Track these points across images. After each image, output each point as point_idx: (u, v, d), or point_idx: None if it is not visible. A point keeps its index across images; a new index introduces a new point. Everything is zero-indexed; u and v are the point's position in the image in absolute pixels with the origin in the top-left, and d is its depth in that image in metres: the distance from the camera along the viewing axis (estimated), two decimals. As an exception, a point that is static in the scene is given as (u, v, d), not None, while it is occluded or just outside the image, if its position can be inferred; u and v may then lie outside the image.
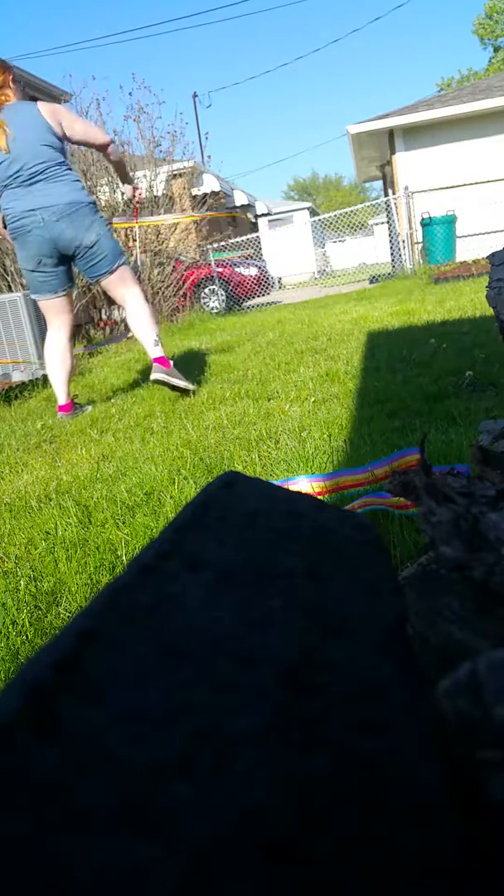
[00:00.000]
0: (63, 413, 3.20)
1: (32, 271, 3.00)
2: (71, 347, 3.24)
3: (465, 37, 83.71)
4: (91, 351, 5.62)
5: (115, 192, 8.08)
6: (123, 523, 1.57)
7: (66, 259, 3.02)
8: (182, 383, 3.01)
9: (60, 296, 3.10)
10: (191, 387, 3.07)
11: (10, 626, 1.17)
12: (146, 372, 4.43)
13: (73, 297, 3.28)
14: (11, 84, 2.94)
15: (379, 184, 21.07)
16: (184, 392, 3.07)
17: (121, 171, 3.39)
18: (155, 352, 3.06)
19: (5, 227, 2.97)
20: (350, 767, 0.24)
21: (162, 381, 3.01)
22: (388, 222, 11.94)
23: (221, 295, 10.62)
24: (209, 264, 10.54)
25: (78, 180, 2.99)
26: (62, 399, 3.22)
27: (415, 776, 0.24)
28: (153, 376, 3.01)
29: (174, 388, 3.04)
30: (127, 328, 7.08)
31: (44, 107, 2.95)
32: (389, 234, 11.92)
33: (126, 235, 8.11)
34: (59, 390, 3.22)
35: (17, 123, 2.86)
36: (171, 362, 3.10)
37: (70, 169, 2.99)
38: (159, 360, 3.04)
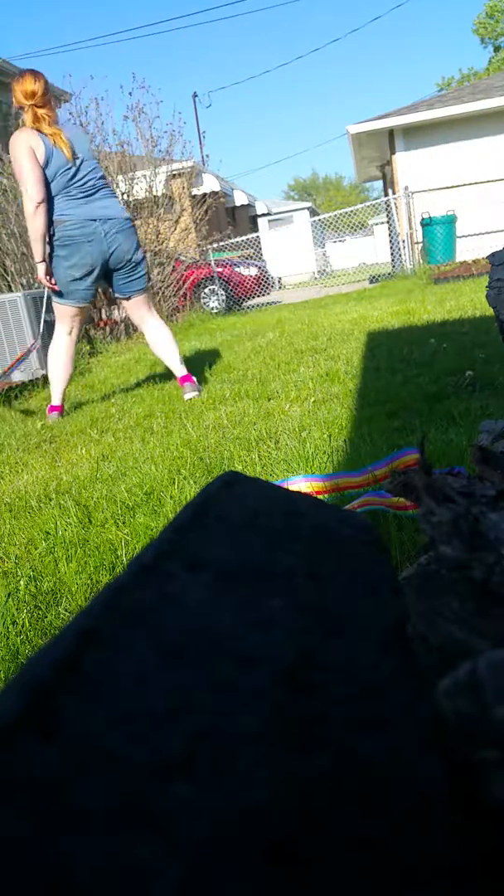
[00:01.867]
0: (55, 413, 3.26)
1: (79, 279, 3.04)
2: (74, 351, 3.31)
3: (466, 37, 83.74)
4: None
5: (114, 191, 8.07)
6: (123, 523, 1.57)
7: (106, 271, 3.11)
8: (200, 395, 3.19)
9: (82, 305, 3.18)
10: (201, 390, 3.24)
11: (10, 626, 1.17)
12: (146, 372, 4.43)
13: (89, 309, 3.38)
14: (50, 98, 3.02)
15: (379, 184, 21.08)
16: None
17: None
18: (182, 371, 3.24)
19: (51, 236, 2.98)
20: (350, 767, 0.24)
21: (194, 399, 3.14)
22: (388, 222, 11.94)
23: (221, 295, 10.62)
24: (209, 264, 10.54)
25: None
26: (56, 399, 3.28)
27: (415, 776, 0.24)
28: (188, 396, 3.14)
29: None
30: (126, 328, 7.08)
31: (73, 128, 3.12)
32: (389, 234, 11.92)
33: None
34: (56, 390, 3.27)
35: (71, 135, 2.98)
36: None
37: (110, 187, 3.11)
38: (187, 378, 3.22)
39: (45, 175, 2.91)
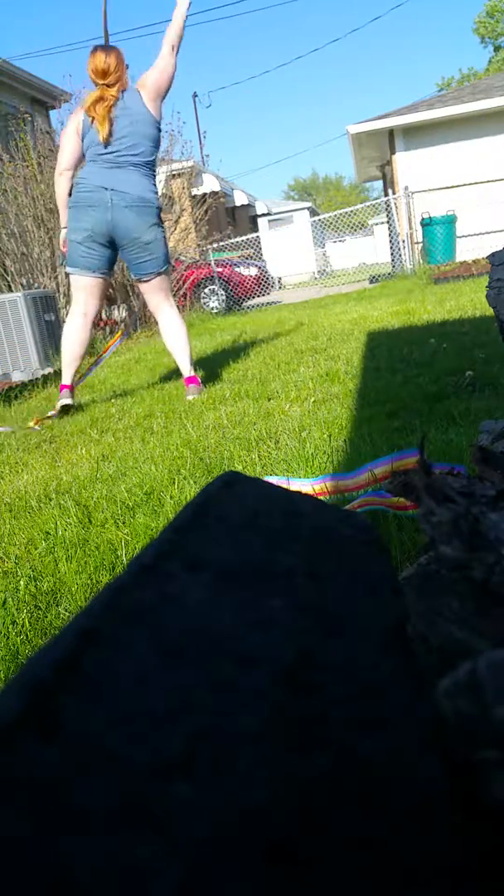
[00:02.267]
0: (65, 391, 3.25)
1: (79, 243, 3.06)
2: (89, 335, 3.28)
3: (466, 36, 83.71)
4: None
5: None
6: (123, 523, 1.57)
7: (113, 246, 3.10)
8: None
9: (97, 277, 3.15)
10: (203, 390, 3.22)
11: (10, 626, 1.17)
12: (146, 372, 4.43)
13: (107, 287, 3.34)
14: (124, 70, 3.07)
15: (379, 184, 21.07)
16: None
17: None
18: (190, 371, 3.20)
19: (70, 194, 3.10)
20: (350, 767, 0.24)
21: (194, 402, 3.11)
22: (388, 222, 11.94)
23: (221, 295, 10.62)
24: (209, 264, 10.54)
25: (154, 183, 3.14)
26: (67, 379, 3.26)
27: (415, 776, 0.24)
28: (190, 397, 3.09)
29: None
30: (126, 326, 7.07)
31: (142, 91, 3.04)
32: (389, 234, 11.92)
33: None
34: (67, 370, 3.26)
35: (126, 111, 3.00)
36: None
37: (154, 173, 3.15)
38: (193, 379, 3.18)
39: (80, 148, 3.05)
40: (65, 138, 3.10)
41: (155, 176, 3.18)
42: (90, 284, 3.15)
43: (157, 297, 3.21)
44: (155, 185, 3.15)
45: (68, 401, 3.22)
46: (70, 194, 3.10)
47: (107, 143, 3.00)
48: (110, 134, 2.99)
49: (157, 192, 3.15)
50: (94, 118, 2.99)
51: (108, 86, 2.98)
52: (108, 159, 3.01)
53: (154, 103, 3.06)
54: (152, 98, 3.05)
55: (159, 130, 3.13)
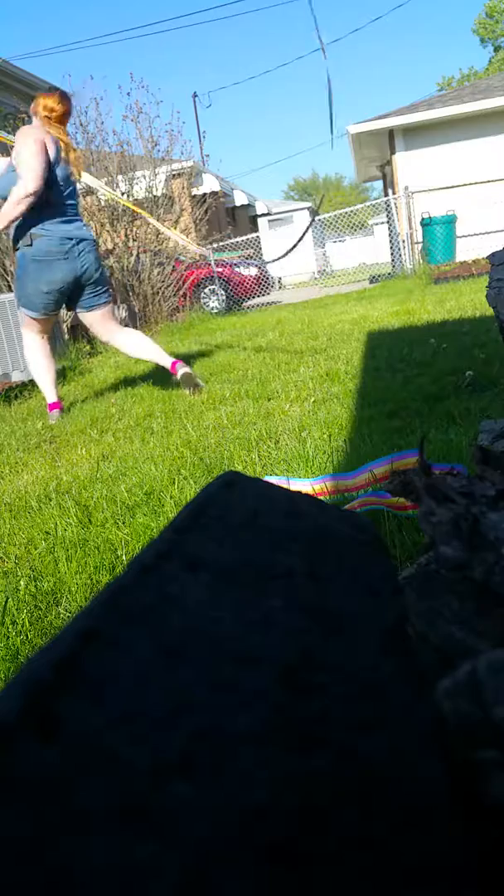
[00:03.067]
0: (55, 411, 3.29)
1: (46, 293, 3.08)
2: (49, 348, 3.36)
3: (466, 37, 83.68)
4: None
5: (114, 192, 8.07)
6: (123, 523, 1.57)
7: (74, 288, 3.17)
8: (200, 382, 3.27)
9: (54, 315, 3.26)
10: (202, 384, 3.29)
11: (10, 626, 1.17)
12: (146, 372, 4.43)
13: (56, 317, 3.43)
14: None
15: (379, 184, 21.06)
16: (198, 392, 3.22)
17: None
18: (169, 360, 3.31)
19: (30, 245, 3.01)
20: (350, 767, 0.24)
21: (189, 377, 3.22)
22: (388, 222, 11.94)
23: (221, 295, 10.62)
24: (209, 264, 10.54)
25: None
26: (51, 397, 3.32)
27: (415, 776, 0.24)
28: (182, 371, 3.21)
29: (195, 385, 3.22)
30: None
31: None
32: (389, 234, 11.92)
33: (126, 235, 8.11)
34: (48, 389, 3.32)
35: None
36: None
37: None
38: (176, 362, 3.29)
39: (48, 175, 2.92)
40: (36, 152, 2.83)
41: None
42: (48, 321, 3.27)
43: (108, 323, 3.36)
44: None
45: (58, 413, 3.28)
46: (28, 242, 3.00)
47: (71, 186, 3.06)
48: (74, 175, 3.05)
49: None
50: (63, 144, 2.99)
51: (54, 121, 3.03)
52: (67, 208, 3.05)
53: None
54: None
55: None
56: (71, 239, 3.02)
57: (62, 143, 3.00)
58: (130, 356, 3.50)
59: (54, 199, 2.97)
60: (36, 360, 3.28)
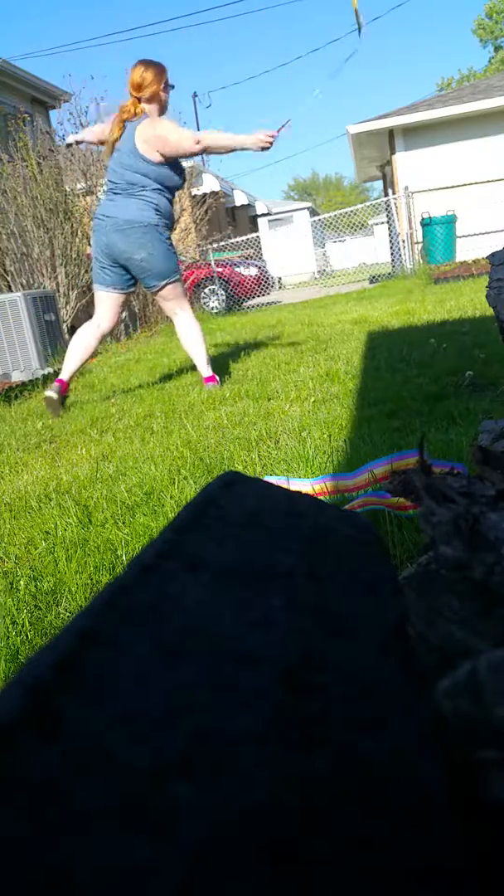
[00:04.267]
0: (58, 385, 3.34)
1: (96, 258, 3.29)
2: (97, 343, 3.43)
3: (466, 37, 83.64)
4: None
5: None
6: (123, 523, 1.57)
7: (122, 265, 3.26)
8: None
9: (109, 292, 3.32)
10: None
11: (10, 626, 1.17)
12: (146, 372, 4.43)
13: (124, 303, 3.48)
14: (159, 95, 3.16)
15: (379, 184, 21.06)
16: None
17: (221, 150, 3.23)
18: (207, 371, 3.37)
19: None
20: (350, 767, 0.24)
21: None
22: (388, 222, 11.94)
23: (221, 295, 10.62)
24: (209, 264, 10.54)
25: (149, 203, 3.18)
26: (65, 375, 3.38)
27: (415, 776, 0.24)
28: (210, 387, 3.29)
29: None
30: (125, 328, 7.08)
31: (141, 128, 3.11)
32: (389, 234, 11.92)
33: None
34: (68, 368, 3.38)
35: (124, 139, 3.14)
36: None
37: (146, 191, 3.18)
38: (211, 378, 3.35)
39: (102, 136, 3.26)
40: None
41: (147, 190, 3.18)
42: (103, 298, 3.35)
43: (167, 304, 3.38)
44: (148, 200, 3.18)
45: (52, 394, 3.32)
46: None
47: (109, 167, 3.21)
48: (114, 146, 3.15)
49: (150, 207, 3.19)
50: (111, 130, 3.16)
51: (142, 100, 3.13)
52: (109, 189, 3.22)
53: (147, 150, 3.10)
54: (147, 149, 3.10)
55: (157, 164, 3.13)
56: (105, 215, 3.18)
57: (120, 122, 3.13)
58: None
59: (108, 176, 3.22)
60: (78, 341, 3.37)
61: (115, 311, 3.39)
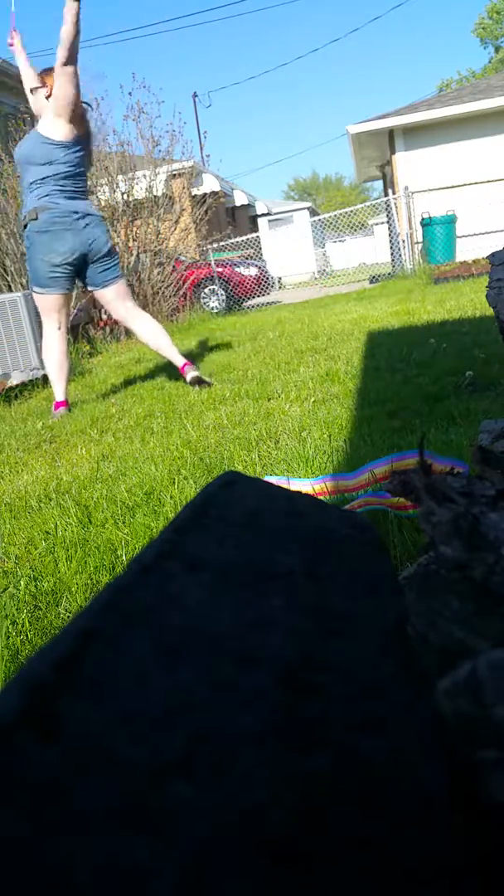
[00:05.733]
0: (61, 409, 3.31)
1: (55, 266, 3.15)
2: (67, 346, 3.39)
3: (466, 37, 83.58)
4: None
5: (114, 191, 8.08)
6: (123, 523, 1.57)
7: (82, 263, 3.22)
8: (207, 379, 3.37)
9: (66, 293, 3.27)
10: (210, 381, 3.36)
11: (10, 626, 1.17)
12: (146, 372, 4.43)
13: (71, 300, 3.48)
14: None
15: (379, 184, 21.06)
16: (206, 385, 3.29)
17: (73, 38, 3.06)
18: (180, 360, 3.41)
19: (35, 218, 3.11)
20: (350, 767, 0.24)
21: (198, 379, 3.30)
22: (388, 222, 11.94)
23: (221, 295, 10.62)
24: (209, 264, 10.54)
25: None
26: (60, 395, 3.34)
27: (415, 776, 0.24)
28: (191, 375, 3.31)
29: (202, 383, 3.30)
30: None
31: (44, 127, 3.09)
32: (389, 234, 11.92)
33: (126, 235, 8.10)
34: (58, 387, 3.34)
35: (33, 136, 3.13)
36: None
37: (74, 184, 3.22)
38: (187, 363, 3.40)
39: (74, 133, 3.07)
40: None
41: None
42: (60, 300, 3.27)
43: (124, 301, 3.36)
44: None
45: (59, 414, 3.29)
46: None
47: (82, 167, 3.18)
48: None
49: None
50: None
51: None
52: (75, 186, 3.15)
53: (54, 123, 3.04)
54: (51, 117, 3.04)
55: (65, 146, 3.07)
56: (77, 213, 3.11)
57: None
58: (146, 344, 3.54)
59: (63, 174, 3.08)
60: (50, 354, 3.31)
61: (68, 310, 3.39)
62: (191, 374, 3.34)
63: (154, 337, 3.42)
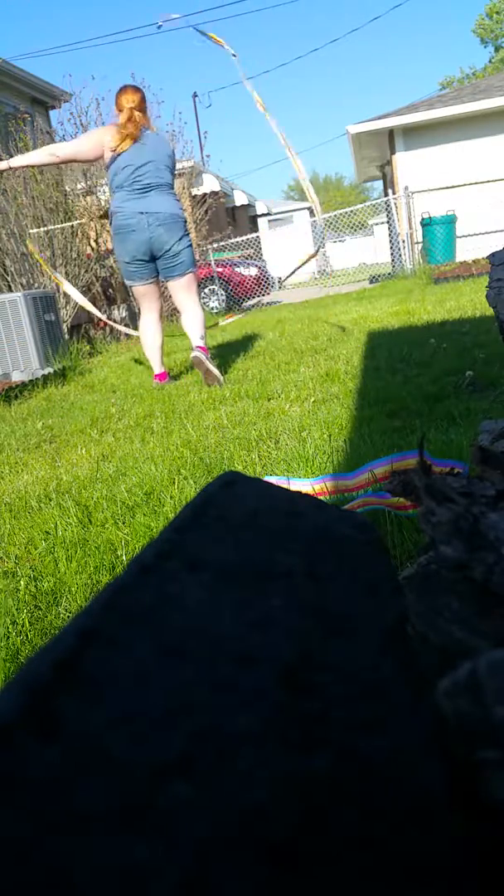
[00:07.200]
0: (159, 380, 3.76)
1: (128, 262, 3.56)
2: (161, 324, 3.81)
3: (466, 37, 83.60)
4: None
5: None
6: (123, 523, 1.57)
7: (153, 256, 3.58)
8: (215, 370, 3.41)
9: (150, 283, 3.67)
10: (221, 378, 3.39)
11: (10, 626, 1.17)
12: (146, 372, 4.43)
13: (159, 285, 3.83)
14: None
15: (379, 184, 21.06)
16: (213, 380, 3.36)
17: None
18: (200, 342, 3.60)
19: (110, 221, 3.56)
20: (350, 767, 0.24)
21: (199, 361, 3.43)
22: (388, 222, 11.93)
23: (221, 295, 10.62)
24: (209, 264, 10.54)
25: (178, 199, 3.61)
26: (157, 368, 3.80)
27: (415, 776, 0.24)
28: (194, 355, 3.46)
29: (206, 371, 3.38)
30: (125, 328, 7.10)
31: (165, 138, 3.72)
32: (389, 234, 11.91)
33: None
34: (155, 361, 3.79)
35: (150, 142, 3.49)
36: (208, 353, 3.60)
37: (173, 189, 3.61)
38: (202, 348, 3.54)
39: (90, 155, 3.51)
40: (79, 139, 3.59)
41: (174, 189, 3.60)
42: (147, 289, 3.68)
43: (179, 294, 3.67)
44: (176, 196, 3.60)
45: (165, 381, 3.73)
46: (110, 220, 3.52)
47: (134, 165, 3.42)
48: (141, 156, 3.41)
49: (179, 203, 3.61)
50: (125, 135, 3.39)
51: (135, 109, 3.47)
52: (138, 186, 3.44)
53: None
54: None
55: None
56: (142, 213, 3.42)
57: (123, 134, 3.41)
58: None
59: (124, 181, 3.42)
60: (145, 333, 3.75)
61: (158, 295, 3.78)
62: (196, 353, 3.48)
63: (185, 323, 3.70)
